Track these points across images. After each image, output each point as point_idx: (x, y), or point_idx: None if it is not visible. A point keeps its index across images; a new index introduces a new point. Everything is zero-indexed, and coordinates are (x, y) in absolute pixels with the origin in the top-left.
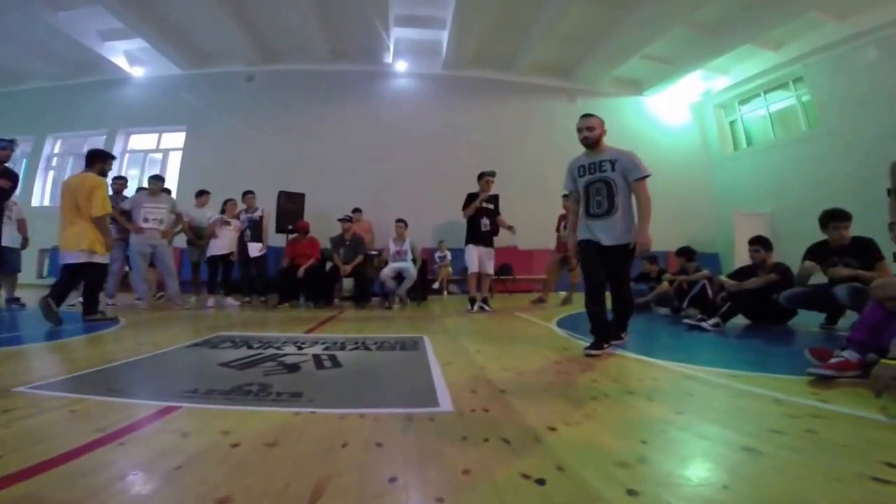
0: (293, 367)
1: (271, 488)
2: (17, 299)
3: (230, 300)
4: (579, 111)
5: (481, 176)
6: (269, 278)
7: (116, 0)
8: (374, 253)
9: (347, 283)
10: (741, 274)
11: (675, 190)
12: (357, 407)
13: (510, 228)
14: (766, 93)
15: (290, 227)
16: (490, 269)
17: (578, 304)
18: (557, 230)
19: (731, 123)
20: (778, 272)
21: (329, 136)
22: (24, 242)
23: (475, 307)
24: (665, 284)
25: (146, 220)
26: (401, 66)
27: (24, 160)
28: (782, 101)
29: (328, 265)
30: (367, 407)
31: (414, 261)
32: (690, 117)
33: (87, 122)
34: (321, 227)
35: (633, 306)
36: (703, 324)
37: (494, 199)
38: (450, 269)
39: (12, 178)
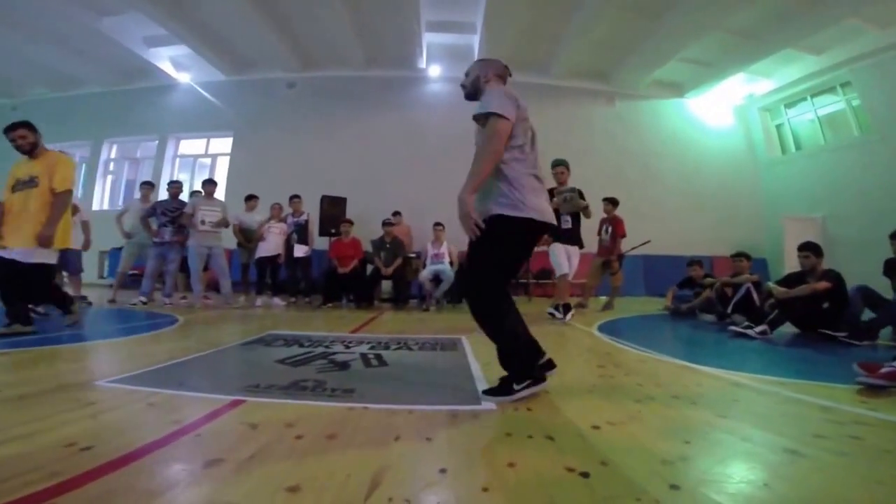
0: (343, 365)
1: (335, 478)
2: (84, 298)
3: (277, 300)
4: (618, 114)
5: (553, 167)
6: (313, 279)
7: (157, 7)
8: (412, 256)
9: (386, 285)
10: (790, 281)
11: (720, 193)
12: (405, 403)
13: (584, 209)
14: (812, 97)
15: (332, 230)
16: (572, 269)
17: (620, 309)
18: (599, 234)
19: (778, 127)
20: (829, 279)
21: (368, 141)
22: (87, 244)
23: (568, 315)
24: (709, 291)
25: (203, 222)
26: (434, 70)
27: (83, 165)
28: (831, 105)
29: (369, 267)
30: (415, 404)
31: (451, 264)
32: (734, 120)
33: (140, 127)
34: (361, 231)
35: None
36: (750, 331)
37: (574, 192)
38: None
39: None
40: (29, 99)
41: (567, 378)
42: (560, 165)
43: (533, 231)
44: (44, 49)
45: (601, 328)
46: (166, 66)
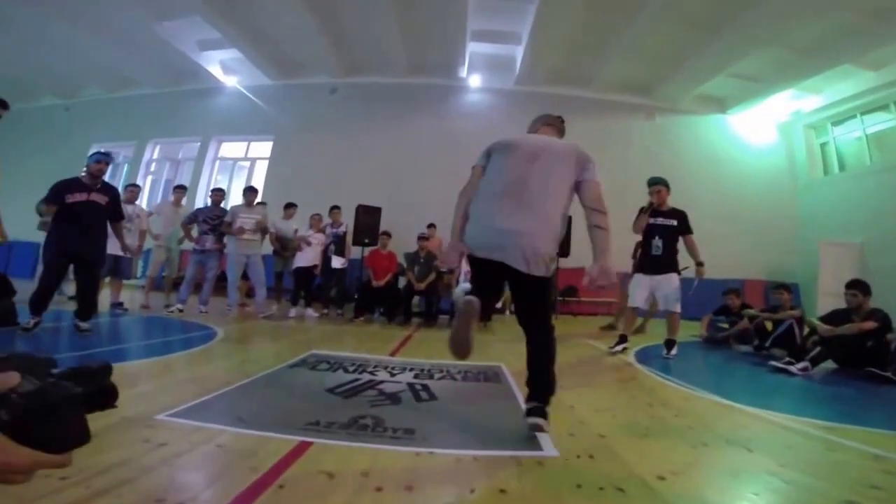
0: (395, 399)
1: None
2: (121, 304)
3: (310, 311)
4: (658, 129)
5: (648, 186)
6: (347, 291)
7: (214, 10)
8: (444, 270)
9: (416, 298)
10: (835, 318)
11: (756, 214)
12: (468, 448)
13: (699, 265)
14: (862, 114)
15: (366, 240)
16: (668, 304)
17: (653, 332)
18: (634, 257)
19: (823, 146)
20: (876, 319)
21: (404, 149)
22: (138, 251)
23: (618, 346)
24: (746, 321)
25: (242, 230)
26: (474, 80)
27: (126, 165)
28: (881, 123)
29: (401, 280)
30: (477, 448)
31: None
32: (777, 137)
33: (184, 129)
34: (395, 242)
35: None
36: (791, 367)
37: (675, 214)
38: None
39: (111, 193)
40: (81, 100)
41: (620, 418)
42: (656, 184)
43: (472, 261)
44: (102, 49)
45: (640, 357)
46: (216, 70)
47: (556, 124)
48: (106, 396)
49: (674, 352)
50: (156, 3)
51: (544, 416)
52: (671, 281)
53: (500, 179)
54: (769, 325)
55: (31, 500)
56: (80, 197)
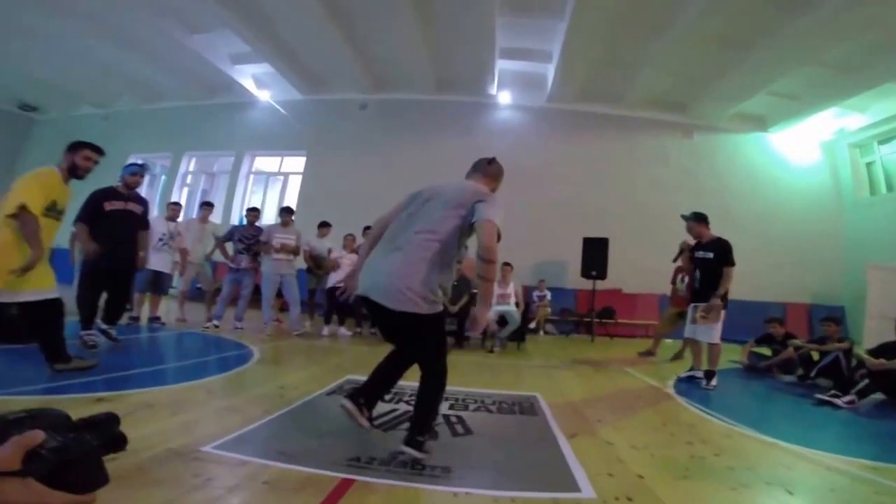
0: (432, 433)
1: None
2: (158, 318)
3: (343, 329)
4: (696, 147)
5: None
6: None
7: (243, 24)
8: (476, 292)
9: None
10: (886, 351)
11: (799, 235)
12: (505, 488)
13: (714, 296)
14: None
15: None
16: (704, 336)
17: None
18: (673, 282)
19: (868, 165)
20: None
21: (435, 166)
22: (181, 269)
23: (708, 382)
24: (790, 350)
25: (277, 250)
26: (504, 97)
27: (164, 176)
28: None
29: None
30: (514, 489)
31: (517, 304)
32: (821, 156)
33: (218, 142)
34: None
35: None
36: (837, 400)
37: (714, 246)
38: (549, 308)
39: (144, 204)
40: (117, 110)
41: (658, 456)
42: (686, 221)
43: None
44: (136, 61)
45: (679, 389)
46: (248, 83)
47: (482, 169)
48: (116, 443)
49: (713, 383)
50: (187, 16)
51: (416, 445)
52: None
53: (392, 225)
54: (815, 355)
55: None
56: (117, 205)
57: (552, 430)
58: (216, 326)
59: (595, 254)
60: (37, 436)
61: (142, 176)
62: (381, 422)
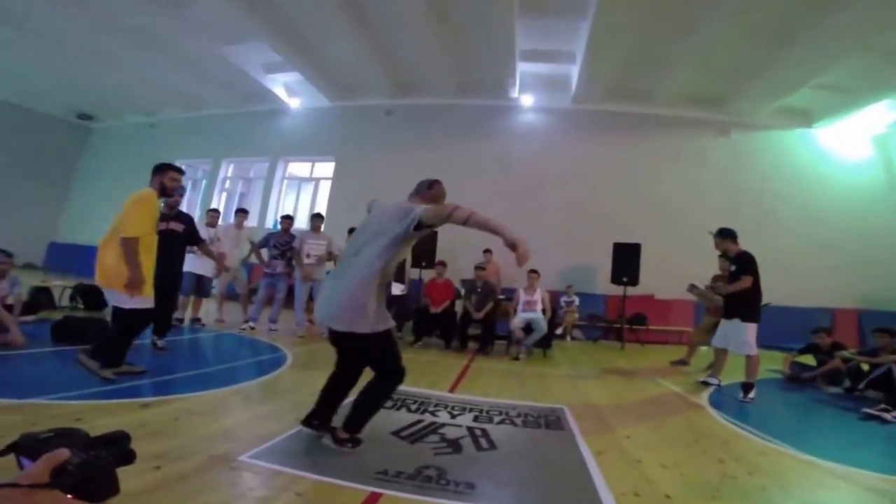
0: (456, 447)
1: None
2: (199, 319)
3: None
4: (734, 146)
5: None
6: (405, 315)
7: (273, 35)
8: (502, 298)
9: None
10: None
11: (850, 235)
12: None
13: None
14: None
15: (423, 263)
16: (737, 348)
17: (728, 367)
18: (710, 287)
19: None
20: None
21: (458, 171)
22: (218, 272)
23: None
24: (837, 361)
25: (308, 255)
26: (526, 100)
27: (204, 181)
28: None
29: (458, 305)
30: None
31: (544, 311)
32: (873, 151)
33: (254, 148)
34: (451, 265)
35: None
36: (886, 415)
37: (737, 259)
38: (576, 314)
39: (187, 221)
40: (163, 118)
41: (688, 476)
42: (714, 237)
43: None
44: (177, 73)
45: (713, 401)
46: (280, 91)
47: (422, 192)
48: (127, 457)
49: (751, 395)
50: (222, 29)
51: (339, 442)
52: (736, 326)
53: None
54: (865, 366)
55: None
56: (160, 226)
57: (578, 447)
58: (252, 328)
59: (627, 260)
60: (63, 453)
61: (181, 196)
62: (406, 433)
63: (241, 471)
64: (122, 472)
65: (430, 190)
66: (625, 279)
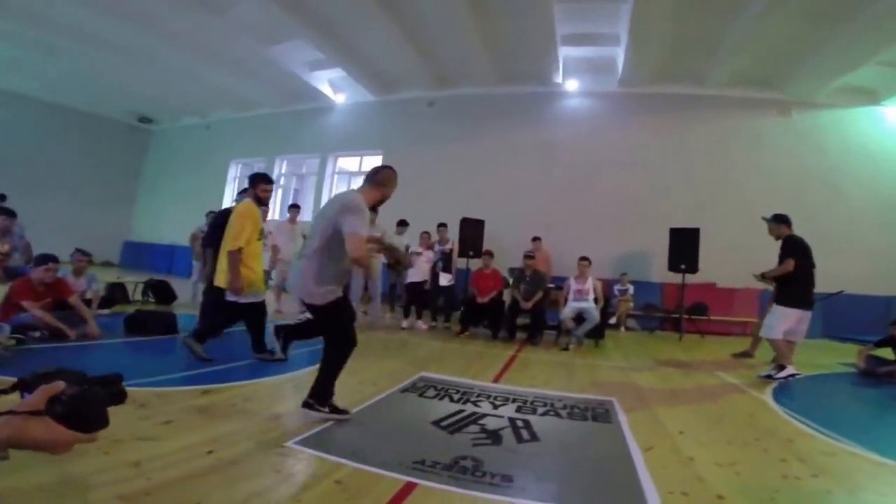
0: (496, 438)
1: None
2: None
3: (420, 323)
4: (795, 126)
5: None
6: (453, 304)
7: (313, 32)
8: (552, 286)
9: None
10: None
11: None
12: (567, 503)
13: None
14: None
15: (471, 252)
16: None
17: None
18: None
19: None
20: None
21: (504, 160)
22: (272, 265)
23: (776, 372)
24: None
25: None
26: (571, 85)
27: None
28: None
29: (507, 295)
30: None
31: (596, 301)
32: None
33: (305, 145)
34: (499, 254)
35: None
36: None
37: (782, 243)
38: (631, 303)
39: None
40: (216, 119)
41: (745, 475)
42: (768, 223)
43: None
44: (226, 75)
45: (778, 397)
46: (325, 88)
47: (371, 179)
48: (119, 397)
49: (783, 373)
50: (264, 30)
51: (309, 407)
52: (771, 308)
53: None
54: None
55: None
56: None
57: (626, 441)
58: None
59: (684, 245)
60: (58, 385)
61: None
62: (446, 423)
63: (286, 457)
64: (178, 456)
65: (376, 176)
66: (683, 266)
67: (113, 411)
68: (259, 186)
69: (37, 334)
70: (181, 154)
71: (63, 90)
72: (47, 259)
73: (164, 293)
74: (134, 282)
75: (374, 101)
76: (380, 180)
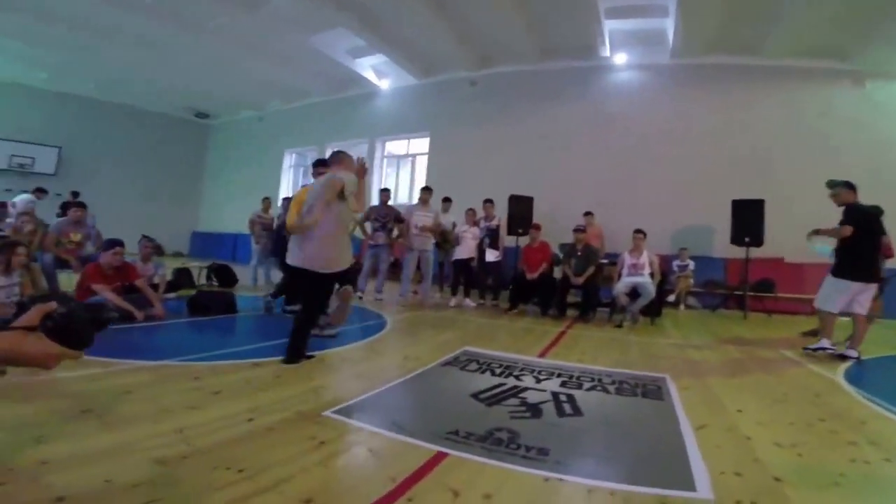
0: (536, 411)
1: None
2: None
3: (468, 301)
4: (869, 97)
5: None
6: (502, 283)
7: (352, 19)
8: (605, 262)
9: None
10: None
11: None
12: (605, 479)
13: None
14: None
15: (520, 230)
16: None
17: (871, 340)
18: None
19: None
20: None
21: (552, 136)
22: None
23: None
24: None
25: (416, 226)
26: (620, 58)
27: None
28: None
29: (557, 272)
30: (616, 481)
31: (652, 275)
32: None
33: (353, 131)
34: (551, 230)
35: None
36: None
37: (845, 210)
38: (691, 280)
39: None
40: (269, 111)
41: (808, 457)
42: (834, 188)
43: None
44: (272, 67)
45: (852, 376)
46: (369, 75)
47: (332, 164)
48: (103, 322)
49: (816, 345)
50: (302, 20)
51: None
52: (827, 278)
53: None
54: None
55: (217, 489)
56: None
57: (678, 419)
58: (360, 297)
59: (748, 217)
60: (51, 305)
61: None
62: (485, 396)
63: (322, 425)
64: (220, 423)
65: (333, 158)
66: (747, 239)
67: (168, 386)
68: (315, 170)
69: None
70: (239, 146)
71: (117, 90)
72: (114, 244)
73: (226, 276)
74: (198, 267)
75: (417, 84)
76: (337, 160)
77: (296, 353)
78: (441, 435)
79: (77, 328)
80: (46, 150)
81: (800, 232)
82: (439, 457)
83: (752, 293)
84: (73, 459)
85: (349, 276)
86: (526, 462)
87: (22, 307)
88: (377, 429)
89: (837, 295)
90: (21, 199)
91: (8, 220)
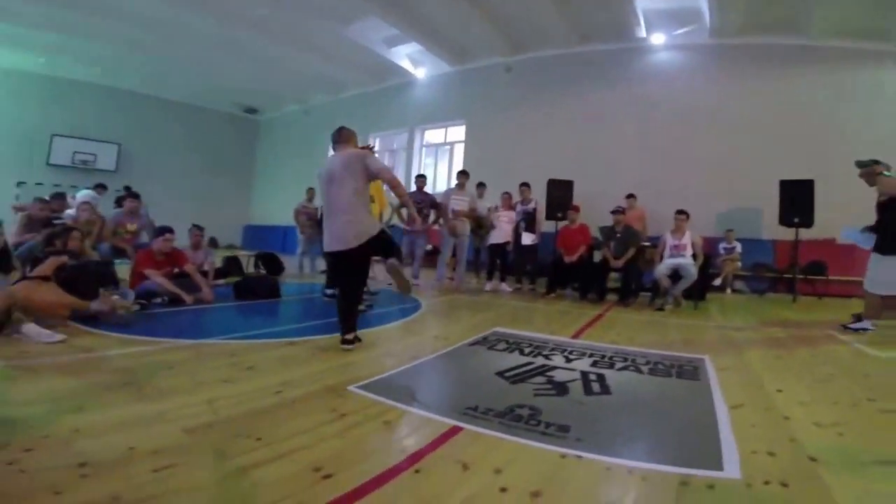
0: (562, 389)
1: None
2: None
3: (504, 285)
4: None
5: None
6: (540, 266)
7: (383, 8)
8: (647, 244)
9: (614, 274)
10: None
11: None
12: (625, 457)
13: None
14: None
15: (559, 214)
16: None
17: None
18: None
19: None
20: None
21: (591, 119)
22: None
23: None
24: None
25: (453, 211)
26: (657, 39)
27: None
28: None
29: (597, 255)
30: (637, 459)
31: (694, 257)
32: None
33: (393, 121)
34: (591, 215)
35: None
36: None
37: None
38: (738, 263)
39: None
40: (313, 105)
41: (849, 438)
42: (863, 167)
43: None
44: (313, 61)
45: None
46: (405, 64)
47: (340, 140)
48: (109, 279)
49: (855, 325)
50: (336, 10)
51: (346, 343)
52: (874, 258)
53: (324, 204)
54: None
55: (234, 456)
56: None
57: (713, 398)
58: (416, 284)
59: (797, 198)
60: (63, 258)
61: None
62: (510, 374)
63: (345, 399)
64: (248, 395)
65: (341, 135)
66: (796, 220)
67: (206, 363)
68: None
69: (159, 300)
70: (286, 140)
71: (169, 86)
72: (164, 230)
73: (273, 264)
74: (246, 255)
75: (452, 71)
76: (346, 137)
77: (348, 331)
78: (459, 410)
79: (87, 281)
80: (107, 147)
81: (853, 213)
82: (454, 430)
83: (801, 276)
84: (105, 427)
85: (388, 249)
86: (544, 438)
87: (37, 260)
88: (397, 403)
89: (890, 275)
90: (81, 194)
91: (68, 210)
